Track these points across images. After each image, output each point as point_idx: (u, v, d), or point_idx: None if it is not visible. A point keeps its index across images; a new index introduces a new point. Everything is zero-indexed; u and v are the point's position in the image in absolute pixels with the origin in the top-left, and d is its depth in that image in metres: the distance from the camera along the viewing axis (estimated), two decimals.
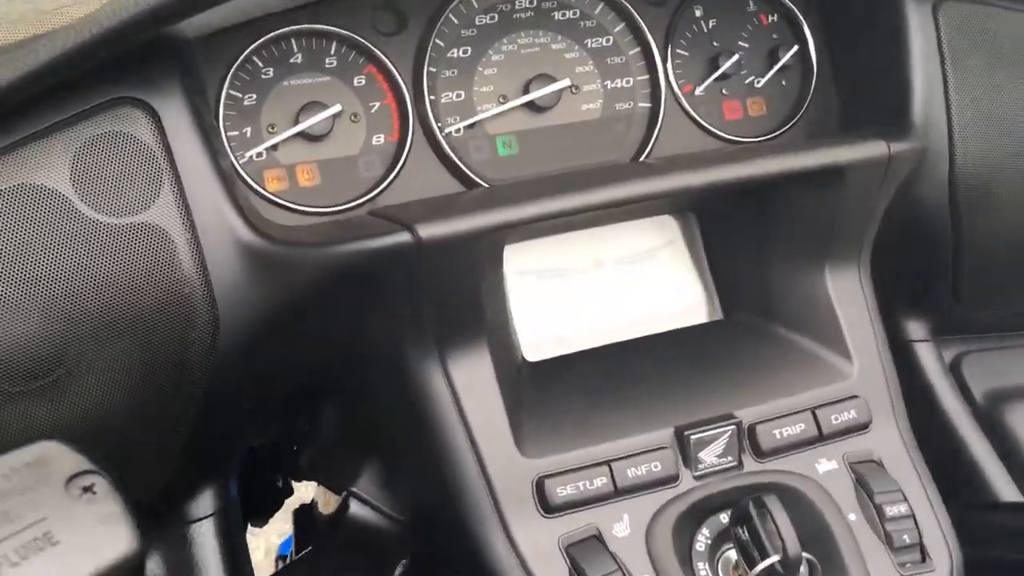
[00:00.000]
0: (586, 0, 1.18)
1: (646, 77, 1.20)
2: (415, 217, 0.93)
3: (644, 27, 1.18)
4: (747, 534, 0.93)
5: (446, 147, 1.11)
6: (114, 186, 0.88)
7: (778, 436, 1.02)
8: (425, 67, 1.11)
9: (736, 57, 1.21)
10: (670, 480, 0.98)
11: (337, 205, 1.07)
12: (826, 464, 1.03)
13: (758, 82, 1.24)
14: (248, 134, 1.06)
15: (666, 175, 1.02)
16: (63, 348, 0.87)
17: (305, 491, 1.55)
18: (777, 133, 1.24)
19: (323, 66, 1.09)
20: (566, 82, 1.15)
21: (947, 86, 1.14)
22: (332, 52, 1.09)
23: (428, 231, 0.92)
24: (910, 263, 1.23)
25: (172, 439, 0.98)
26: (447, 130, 1.12)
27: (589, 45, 1.18)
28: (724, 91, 1.23)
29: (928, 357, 1.30)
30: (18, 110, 0.87)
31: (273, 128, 1.07)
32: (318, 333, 1.00)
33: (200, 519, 1.09)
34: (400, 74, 1.10)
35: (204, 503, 1.10)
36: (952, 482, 1.12)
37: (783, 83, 1.25)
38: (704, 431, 1.00)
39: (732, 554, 0.97)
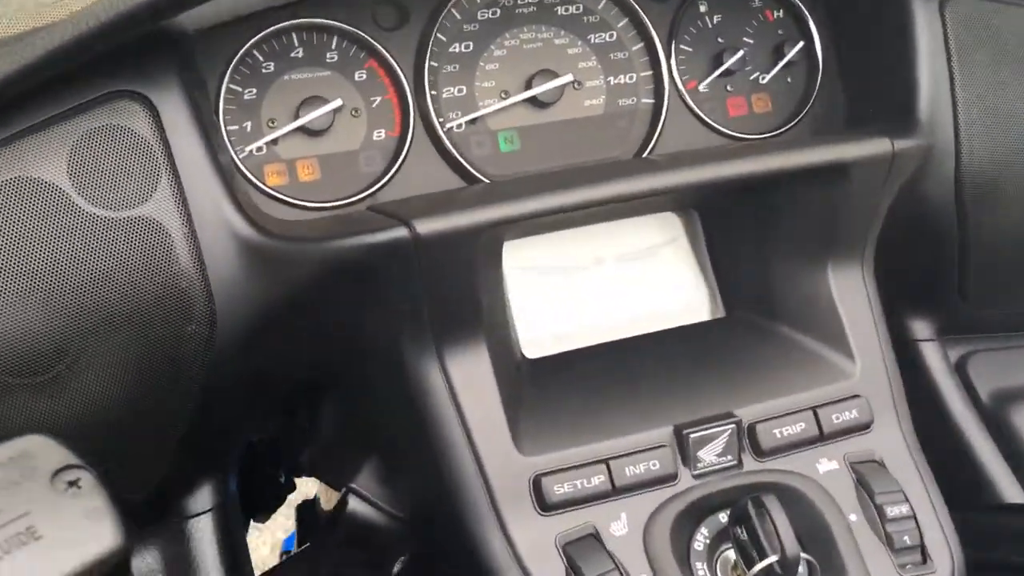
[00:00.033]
0: None
1: (649, 73, 1.19)
2: (413, 212, 0.93)
3: (648, 22, 1.17)
4: (746, 534, 0.92)
5: (447, 142, 1.10)
6: (111, 180, 0.88)
7: (778, 435, 1.01)
8: (426, 62, 1.10)
9: (741, 53, 1.20)
10: (669, 479, 0.98)
11: (337, 200, 1.07)
12: (827, 464, 1.02)
13: (763, 78, 1.23)
14: (248, 128, 1.05)
15: (667, 171, 1.01)
16: (64, 342, 0.87)
17: (309, 487, 1.55)
18: (782, 130, 1.23)
19: (324, 60, 1.08)
20: (568, 78, 1.15)
21: (953, 83, 1.13)
22: (333, 46, 1.09)
23: (425, 226, 0.91)
24: (915, 261, 1.22)
25: (169, 434, 0.97)
26: (448, 125, 1.12)
27: (592, 40, 1.17)
28: (728, 87, 1.22)
29: (933, 356, 1.29)
30: (15, 103, 0.87)
31: (273, 123, 1.06)
32: (316, 328, 1.00)
33: (198, 514, 1.09)
34: (401, 69, 1.10)
35: (202, 498, 1.10)
36: (956, 483, 1.11)
37: (788, 80, 1.24)
38: (704, 430, 0.99)
39: (731, 554, 0.96)
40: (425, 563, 1.10)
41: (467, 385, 0.97)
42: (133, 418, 0.93)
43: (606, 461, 0.96)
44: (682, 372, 1.07)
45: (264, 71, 1.06)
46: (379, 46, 1.09)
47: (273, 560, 2.18)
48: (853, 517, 0.99)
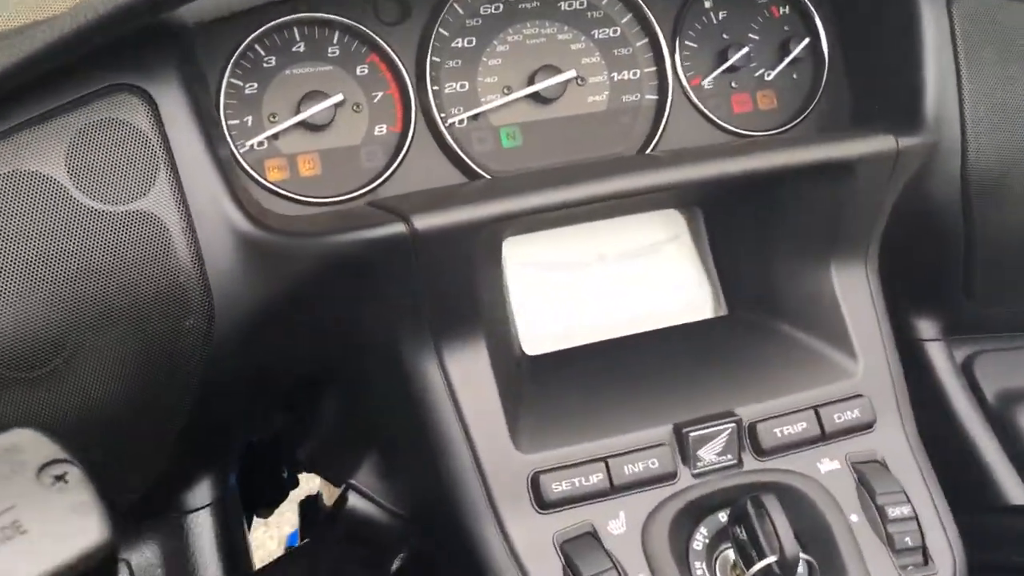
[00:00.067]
0: None
1: (653, 69, 1.18)
2: (412, 208, 0.92)
3: (652, 18, 1.17)
4: (745, 534, 0.91)
5: (449, 138, 1.10)
6: (109, 173, 0.88)
7: (779, 435, 1.00)
8: (428, 57, 1.10)
9: (746, 49, 1.19)
10: (668, 477, 0.97)
11: (338, 196, 1.07)
12: (828, 464, 1.01)
13: (768, 75, 1.22)
14: (249, 123, 1.05)
15: (669, 168, 1.01)
16: (62, 336, 0.87)
17: (313, 482, 1.55)
18: (787, 127, 1.22)
19: (325, 55, 1.08)
20: (571, 73, 1.14)
21: (960, 79, 1.12)
22: (335, 41, 1.08)
23: (424, 222, 0.91)
24: (921, 260, 1.21)
25: (167, 428, 0.97)
26: (450, 121, 1.11)
27: (596, 36, 1.17)
28: (733, 84, 1.21)
29: (939, 356, 1.27)
30: (14, 96, 0.86)
31: (274, 117, 1.06)
32: (314, 323, 0.99)
33: (197, 509, 1.09)
34: (403, 64, 1.09)
35: (201, 493, 1.10)
36: (962, 484, 1.10)
37: (794, 76, 1.23)
38: (704, 428, 0.98)
39: (730, 554, 0.95)
40: (424, 560, 1.09)
41: (465, 382, 0.96)
42: (131, 413, 0.93)
43: (605, 459, 0.96)
44: (683, 370, 1.06)
45: (265, 65, 1.06)
46: (381, 41, 1.08)
47: (280, 555, 2.19)
48: (854, 518, 0.98)
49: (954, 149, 1.12)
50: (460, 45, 1.12)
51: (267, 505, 1.48)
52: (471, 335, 0.97)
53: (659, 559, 0.93)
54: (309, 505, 1.48)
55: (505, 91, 1.13)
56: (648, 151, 1.16)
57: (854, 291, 1.09)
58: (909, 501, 0.99)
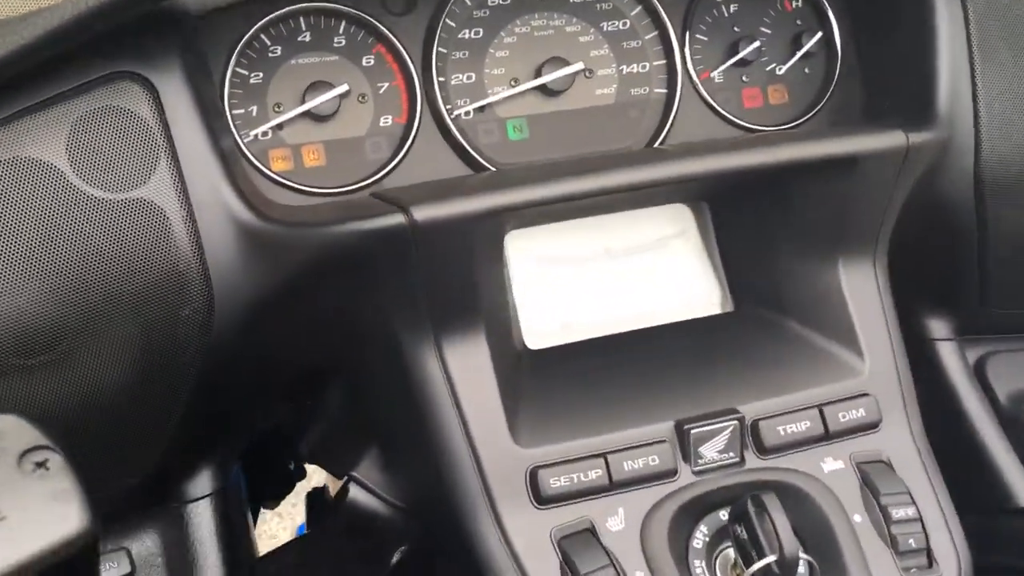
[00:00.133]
0: None
1: (663, 62, 1.17)
2: (413, 199, 0.92)
3: (661, 10, 1.15)
4: (745, 532, 0.90)
5: (454, 130, 1.09)
6: (110, 161, 0.88)
7: (782, 433, 0.99)
8: (435, 48, 1.09)
9: (757, 43, 1.18)
10: (668, 475, 0.96)
11: (342, 187, 1.06)
12: (832, 463, 1.00)
13: (780, 69, 1.20)
14: (254, 112, 1.05)
15: (674, 161, 0.99)
16: (61, 323, 0.87)
17: (321, 474, 1.55)
18: (799, 122, 1.20)
19: (331, 45, 1.07)
20: (579, 66, 1.13)
21: (974, 74, 1.10)
22: (341, 31, 1.08)
23: (423, 213, 0.90)
24: (933, 259, 1.20)
25: (165, 417, 0.97)
26: (456, 112, 1.10)
27: (605, 28, 1.16)
28: (744, 78, 1.19)
29: (951, 357, 1.25)
30: (15, 83, 0.86)
31: (279, 107, 1.05)
32: (314, 314, 0.99)
33: (197, 499, 1.09)
34: (409, 55, 1.08)
35: (202, 483, 1.09)
36: (972, 486, 1.09)
37: (806, 71, 1.21)
38: (705, 425, 0.97)
39: (731, 552, 0.94)
40: (424, 554, 1.09)
41: (465, 375, 0.96)
42: (129, 401, 0.93)
43: (604, 455, 0.95)
44: (686, 367, 1.05)
45: (271, 55, 1.05)
46: (387, 31, 1.08)
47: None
48: (857, 518, 0.97)
49: (967, 145, 1.10)
50: (467, 36, 1.11)
51: (273, 496, 1.48)
52: (471, 328, 0.96)
53: (658, 557, 0.92)
54: (316, 497, 1.48)
55: (512, 83, 1.12)
56: (656, 145, 1.15)
57: (862, 289, 1.07)
58: (914, 502, 0.98)
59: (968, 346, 1.28)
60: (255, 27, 1.04)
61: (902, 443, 1.02)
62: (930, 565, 0.97)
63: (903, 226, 1.11)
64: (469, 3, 1.11)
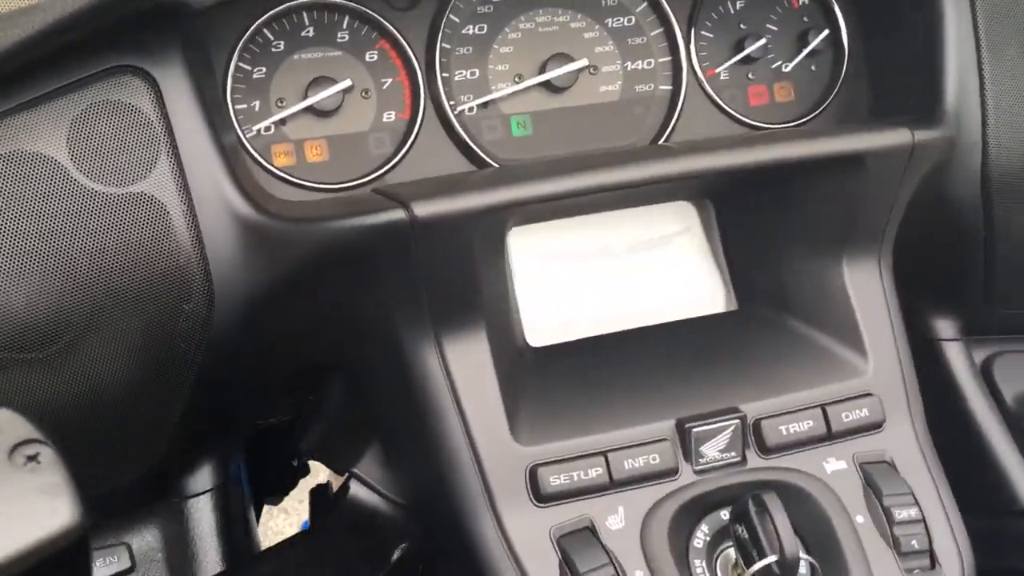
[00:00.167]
0: None
1: (668, 59, 1.16)
2: (413, 195, 0.91)
3: (667, 7, 1.15)
4: (746, 532, 0.89)
5: (457, 126, 1.09)
6: (110, 155, 0.88)
7: (784, 432, 0.98)
8: (438, 43, 1.09)
9: (763, 40, 1.17)
10: (669, 473, 0.95)
11: (344, 182, 1.06)
12: (834, 463, 0.99)
13: (786, 67, 1.20)
14: (256, 108, 1.04)
15: (677, 158, 0.99)
16: (62, 317, 0.87)
17: (325, 471, 1.55)
18: (805, 120, 1.20)
19: (335, 40, 1.07)
20: (584, 62, 1.12)
21: (982, 73, 1.09)
22: (344, 26, 1.07)
23: (424, 209, 0.90)
24: (940, 258, 1.19)
25: (166, 412, 0.97)
26: (459, 108, 1.10)
27: (610, 24, 1.15)
28: (750, 75, 1.19)
29: (957, 357, 1.24)
30: (16, 76, 0.86)
31: (282, 102, 1.05)
32: (315, 310, 0.99)
33: (198, 494, 1.09)
34: (413, 50, 1.08)
35: (202, 479, 1.09)
36: (977, 487, 1.08)
37: (812, 68, 1.20)
38: (707, 424, 0.97)
39: (732, 552, 0.94)
40: (425, 552, 1.08)
41: (465, 372, 0.95)
42: (130, 396, 0.93)
43: (604, 453, 0.94)
44: (688, 365, 1.04)
45: (274, 50, 1.05)
46: (391, 26, 1.08)
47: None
48: (859, 519, 0.96)
49: (974, 144, 1.09)
50: (471, 32, 1.11)
51: (276, 492, 1.48)
52: (472, 325, 0.96)
53: (658, 556, 0.92)
54: (319, 493, 1.48)
55: (516, 79, 1.12)
56: (661, 142, 1.14)
57: (866, 288, 1.06)
58: (917, 503, 0.97)
59: (974, 346, 1.27)
60: (258, 22, 1.04)
61: (906, 444, 1.02)
62: (933, 567, 0.96)
63: (909, 225, 1.10)
64: None
